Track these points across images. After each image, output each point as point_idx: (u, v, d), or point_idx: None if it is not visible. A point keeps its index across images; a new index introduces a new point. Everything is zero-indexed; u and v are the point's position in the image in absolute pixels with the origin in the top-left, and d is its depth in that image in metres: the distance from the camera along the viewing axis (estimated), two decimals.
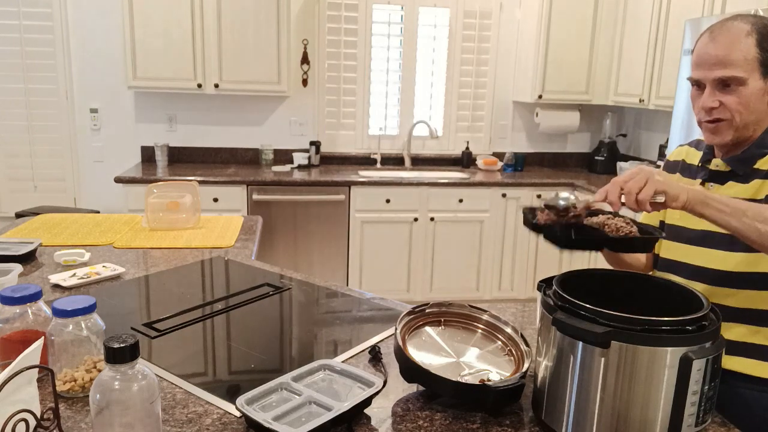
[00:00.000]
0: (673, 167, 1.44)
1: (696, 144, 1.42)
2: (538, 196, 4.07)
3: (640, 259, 1.46)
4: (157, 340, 1.33)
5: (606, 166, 4.42)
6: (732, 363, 1.23)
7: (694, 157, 1.39)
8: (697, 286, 1.26)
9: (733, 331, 1.23)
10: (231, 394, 1.10)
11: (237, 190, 3.73)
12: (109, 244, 2.07)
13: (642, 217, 1.50)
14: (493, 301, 4.16)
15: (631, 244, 1.18)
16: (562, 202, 1.15)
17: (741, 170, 1.25)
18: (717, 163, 1.30)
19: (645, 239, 1.18)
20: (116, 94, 4.12)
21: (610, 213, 1.24)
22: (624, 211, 1.15)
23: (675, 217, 1.37)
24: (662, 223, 1.42)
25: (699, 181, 1.33)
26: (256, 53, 3.85)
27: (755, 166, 1.24)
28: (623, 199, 1.09)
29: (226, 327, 1.41)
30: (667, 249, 1.37)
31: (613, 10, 4.11)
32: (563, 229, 1.13)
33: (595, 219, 1.21)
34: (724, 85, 1.20)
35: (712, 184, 1.31)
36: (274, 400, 1.04)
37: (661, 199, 1.09)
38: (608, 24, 4.14)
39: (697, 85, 1.25)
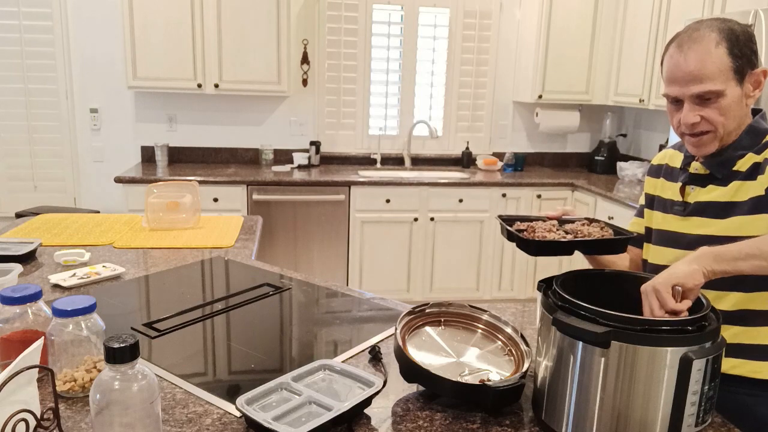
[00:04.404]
0: (656, 171, 1.43)
1: (680, 146, 1.40)
2: (538, 196, 4.07)
3: (625, 266, 1.45)
4: (157, 340, 1.33)
5: (606, 166, 4.43)
6: (724, 365, 1.22)
7: (677, 160, 1.37)
8: None
9: (723, 334, 1.22)
10: (231, 394, 1.10)
11: (237, 190, 3.73)
12: (109, 244, 2.07)
13: (630, 223, 1.50)
14: (493, 301, 4.16)
15: (600, 245, 1.22)
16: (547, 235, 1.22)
17: (720, 173, 1.24)
18: (696, 167, 1.29)
19: (612, 240, 1.21)
20: (116, 94, 4.12)
21: (585, 219, 1.28)
22: (600, 215, 1.17)
23: (660, 222, 1.36)
24: (648, 228, 1.41)
25: (679, 185, 1.32)
26: (256, 53, 3.85)
27: (734, 168, 1.23)
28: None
29: (226, 327, 1.41)
30: (656, 254, 1.36)
31: (613, 10, 4.11)
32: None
33: (569, 226, 1.27)
34: (703, 99, 1.18)
35: (693, 187, 1.29)
36: (274, 400, 1.04)
37: (680, 289, 1.02)
38: (608, 24, 4.14)
39: (674, 100, 1.23)
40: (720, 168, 1.24)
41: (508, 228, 1.23)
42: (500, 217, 1.31)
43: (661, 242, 1.35)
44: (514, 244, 1.20)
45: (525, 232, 1.23)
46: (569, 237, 1.21)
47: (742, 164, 1.22)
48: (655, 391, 0.90)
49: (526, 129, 4.65)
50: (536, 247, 1.17)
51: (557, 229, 1.24)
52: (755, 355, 1.21)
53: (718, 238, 1.22)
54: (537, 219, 1.31)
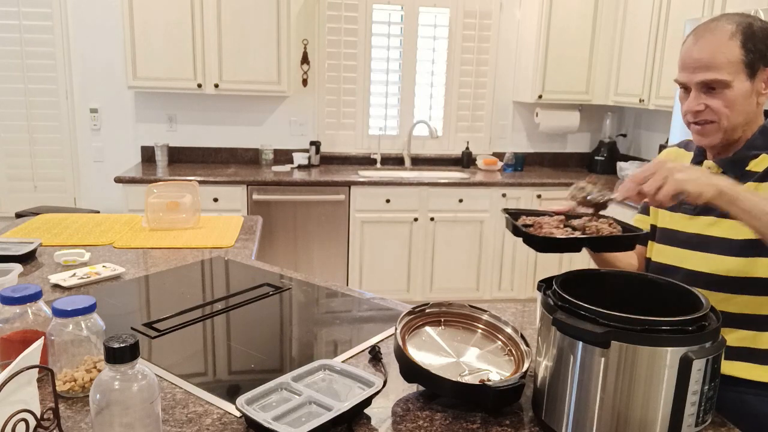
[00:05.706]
0: None
1: (685, 145, 1.40)
2: (538, 196, 4.07)
3: (631, 263, 1.44)
4: (157, 340, 1.33)
5: (606, 166, 4.43)
6: (730, 368, 1.22)
7: (685, 159, 1.37)
8: None
9: (730, 337, 1.22)
10: (231, 394, 1.10)
11: (237, 190, 3.73)
12: (109, 244, 2.07)
13: (634, 220, 1.49)
14: (493, 301, 4.16)
15: (609, 242, 1.18)
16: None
17: (733, 173, 1.23)
18: (709, 165, 1.28)
19: (622, 237, 1.18)
20: (116, 94, 4.12)
21: (591, 215, 1.25)
22: (609, 211, 1.16)
23: (666, 220, 1.36)
24: (653, 226, 1.41)
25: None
26: (256, 53, 3.85)
27: (747, 168, 1.22)
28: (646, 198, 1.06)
29: (226, 327, 1.41)
30: (659, 253, 1.36)
31: (613, 10, 4.11)
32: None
33: (576, 221, 1.23)
34: (709, 88, 1.18)
35: None
36: (274, 400, 1.04)
37: (681, 197, 1.05)
38: (608, 24, 4.14)
39: (684, 87, 1.24)
40: (732, 167, 1.24)
41: (515, 223, 1.19)
42: (506, 210, 1.27)
43: (664, 240, 1.34)
44: (521, 239, 1.16)
45: (531, 228, 1.19)
46: (577, 233, 1.18)
47: (756, 164, 1.21)
48: (655, 391, 0.90)
49: (526, 129, 4.65)
50: (544, 244, 1.14)
51: (564, 225, 1.21)
52: (761, 359, 1.21)
53: (724, 240, 1.22)
54: (544, 214, 1.29)
